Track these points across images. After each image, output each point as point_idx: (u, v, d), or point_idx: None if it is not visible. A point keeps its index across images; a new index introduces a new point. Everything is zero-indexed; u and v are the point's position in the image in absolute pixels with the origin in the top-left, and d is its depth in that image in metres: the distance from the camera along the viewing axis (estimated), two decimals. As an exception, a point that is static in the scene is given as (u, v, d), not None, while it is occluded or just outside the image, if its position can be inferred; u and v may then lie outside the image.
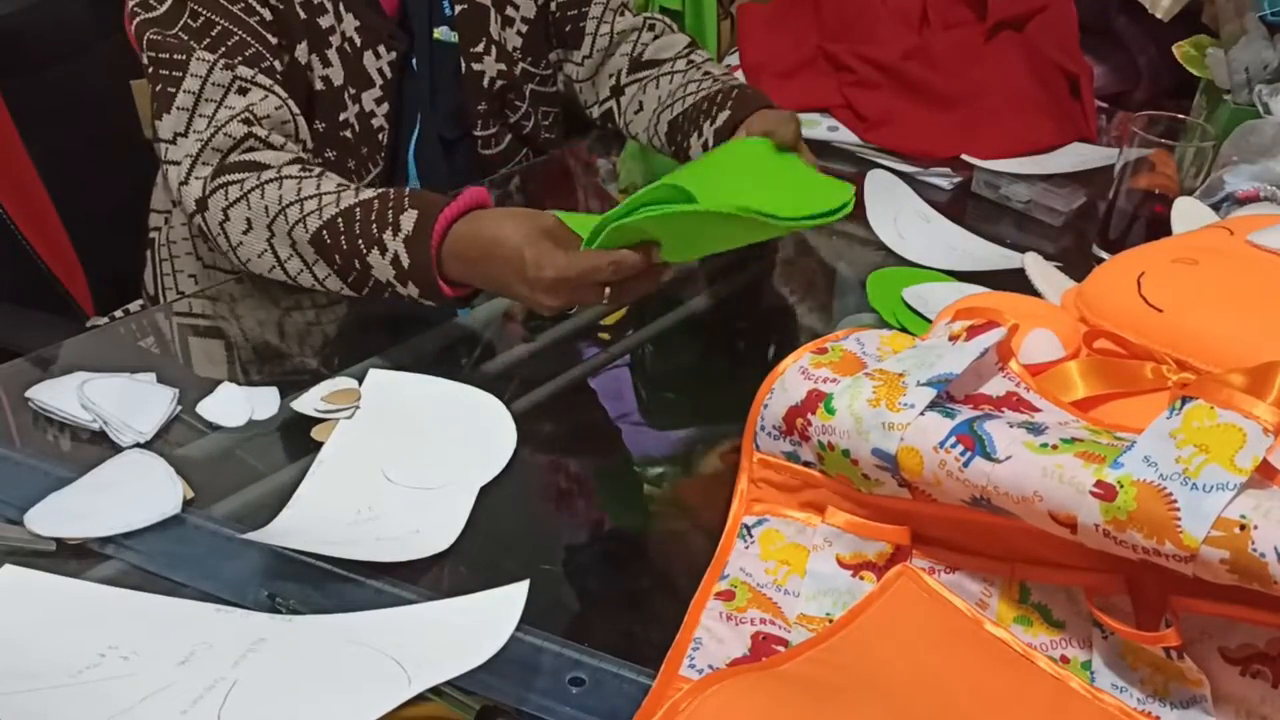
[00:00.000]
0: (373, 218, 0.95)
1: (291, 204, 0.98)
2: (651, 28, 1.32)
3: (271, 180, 1.00)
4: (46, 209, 1.34)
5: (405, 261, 0.94)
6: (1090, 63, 1.54)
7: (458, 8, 1.21)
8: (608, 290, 0.88)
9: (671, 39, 1.31)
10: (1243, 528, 0.57)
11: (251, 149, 1.03)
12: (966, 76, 1.50)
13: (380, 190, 0.98)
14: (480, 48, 1.23)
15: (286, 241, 0.99)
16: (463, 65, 1.23)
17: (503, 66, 1.25)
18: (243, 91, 1.05)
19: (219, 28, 1.05)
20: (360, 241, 0.95)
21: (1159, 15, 1.43)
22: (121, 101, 1.41)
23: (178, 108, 1.04)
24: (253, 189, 1.00)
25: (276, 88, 1.07)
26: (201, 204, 1.02)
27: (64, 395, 0.87)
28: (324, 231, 0.96)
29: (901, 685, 0.64)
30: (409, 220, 0.94)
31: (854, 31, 1.59)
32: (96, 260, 1.38)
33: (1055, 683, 0.65)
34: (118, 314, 1.33)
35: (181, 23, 1.05)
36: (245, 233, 1.00)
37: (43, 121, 1.33)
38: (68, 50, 1.37)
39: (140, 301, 1.34)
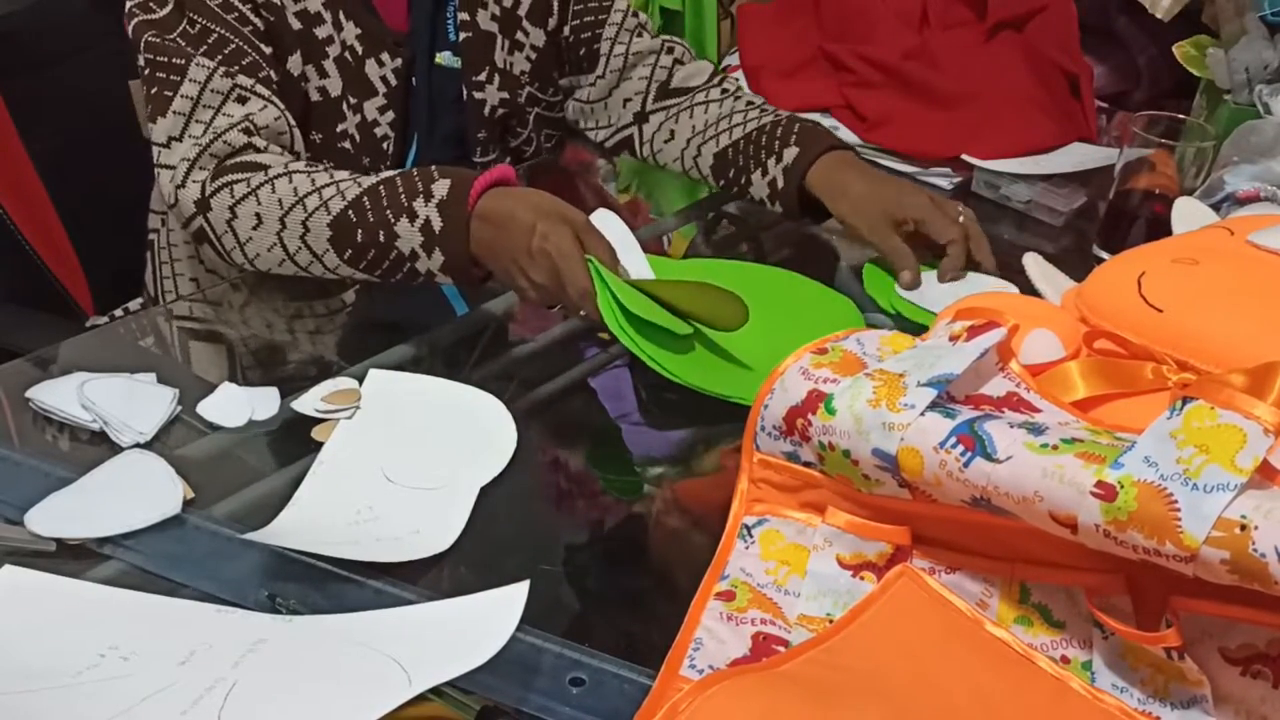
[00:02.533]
0: (401, 189, 0.98)
1: (309, 194, 0.99)
2: (670, 50, 1.30)
3: (280, 176, 1.01)
4: (46, 209, 1.34)
5: (437, 226, 0.96)
6: (1090, 63, 1.54)
7: (462, 35, 1.20)
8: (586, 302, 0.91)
9: (698, 65, 1.30)
10: (1243, 528, 0.57)
11: (249, 155, 1.04)
12: (966, 76, 1.50)
13: (402, 169, 1.00)
14: (483, 76, 1.22)
15: (298, 233, 0.99)
16: (464, 92, 1.21)
17: (505, 95, 1.24)
18: (242, 100, 1.05)
19: (216, 35, 1.05)
20: (389, 211, 0.97)
21: (1159, 15, 1.43)
22: (121, 101, 1.41)
23: (174, 112, 1.04)
24: (260, 185, 1.00)
25: (275, 98, 1.07)
26: (203, 205, 1.02)
27: (64, 395, 0.87)
28: (349, 211, 0.98)
29: (902, 686, 0.64)
30: (442, 187, 0.97)
31: (854, 31, 1.59)
32: (96, 260, 1.38)
33: (1056, 683, 0.65)
34: (118, 313, 1.33)
35: (180, 29, 1.05)
36: (255, 228, 1.00)
37: (43, 121, 1.33)
38: (68, 50, 1.37)
39: (140, 300, 1.35)
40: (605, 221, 1.05)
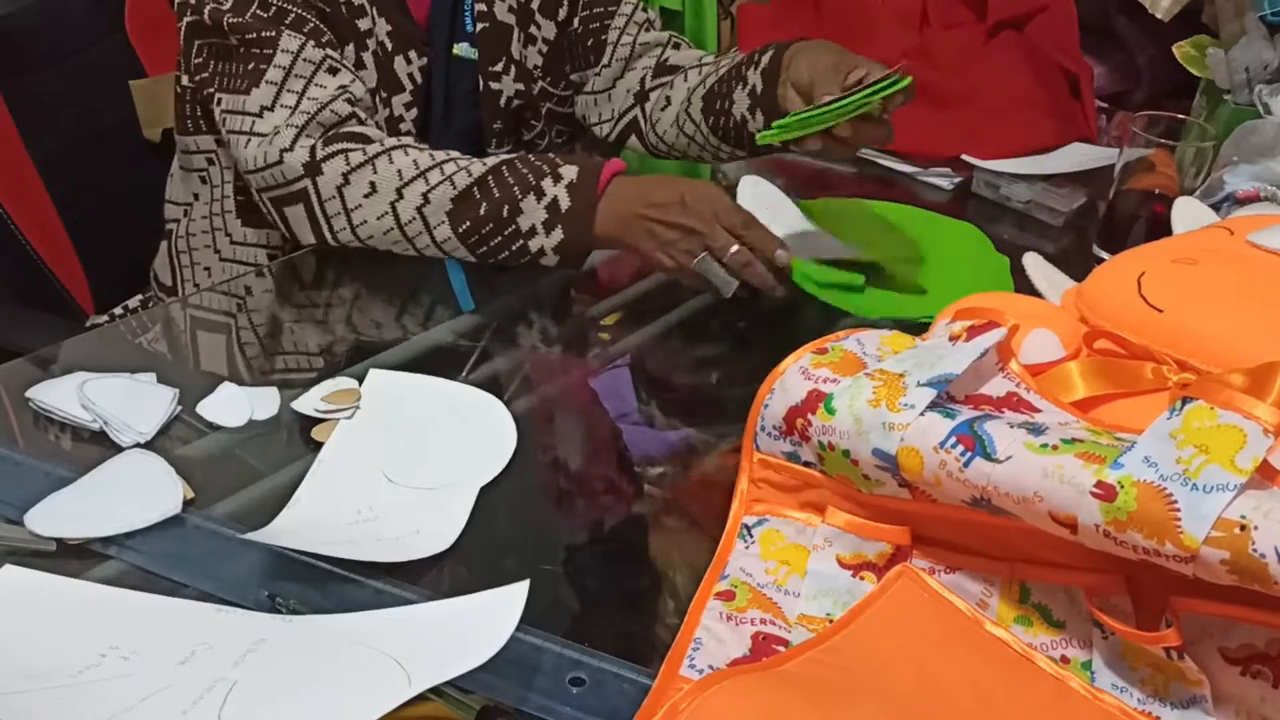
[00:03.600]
0: (527, 171, 1.03)
1: (430, 168, 1.04)
2: (676, 46, 1.32)
3: (396, 149, 1.05)
4: (46, 209, 1.34)
5: (564, 205, 1.02)
6: (1090, 63, 1.54)
7: (479, 25, 1.21)
8: (734, 249, 0.99)
9: (693, 51, 1.32)
10: (1243, 528, 0.57)
11: (354, 125, 1.08)
12: (966, 76, 1.50)
13: (520, 154, 1.07)
14: (499, 67, 1.23)
15: (415, 204, 1.04)
16: (480, 83, 1.22)
17: (521, 86, 1.25)
18: (333, 71, 1.08)
19: (294, 14, 1.09)
20: (515, 188, 1.02)
21: (1159, 15, 1.43)
22: (121, 101, 1.41)
23: (268, 81, 1.07)
24: (378, 155, 1.05)
25: (358, 74, 1.11)
26: (313, 168, 1.05)
27: (64, 395, 0.87)
28: (474, 187, 1.03)
29: (902, 685, 0.64)
30: (571, 171, 1.03)
31: (854, 31, 1.59)
32: (96, 260, 1.38)
33: (1055, 683, 0.65)
34: (118, 312, 1.33)
35: (253, 10, 1.08)
36: (368, 196, 1.04)
37: (43, 121, 1.33)
38: (68, 50, 1.37)
39: (140, 297, 1.35)
40: (756, 185, 1.22)
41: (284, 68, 1.07)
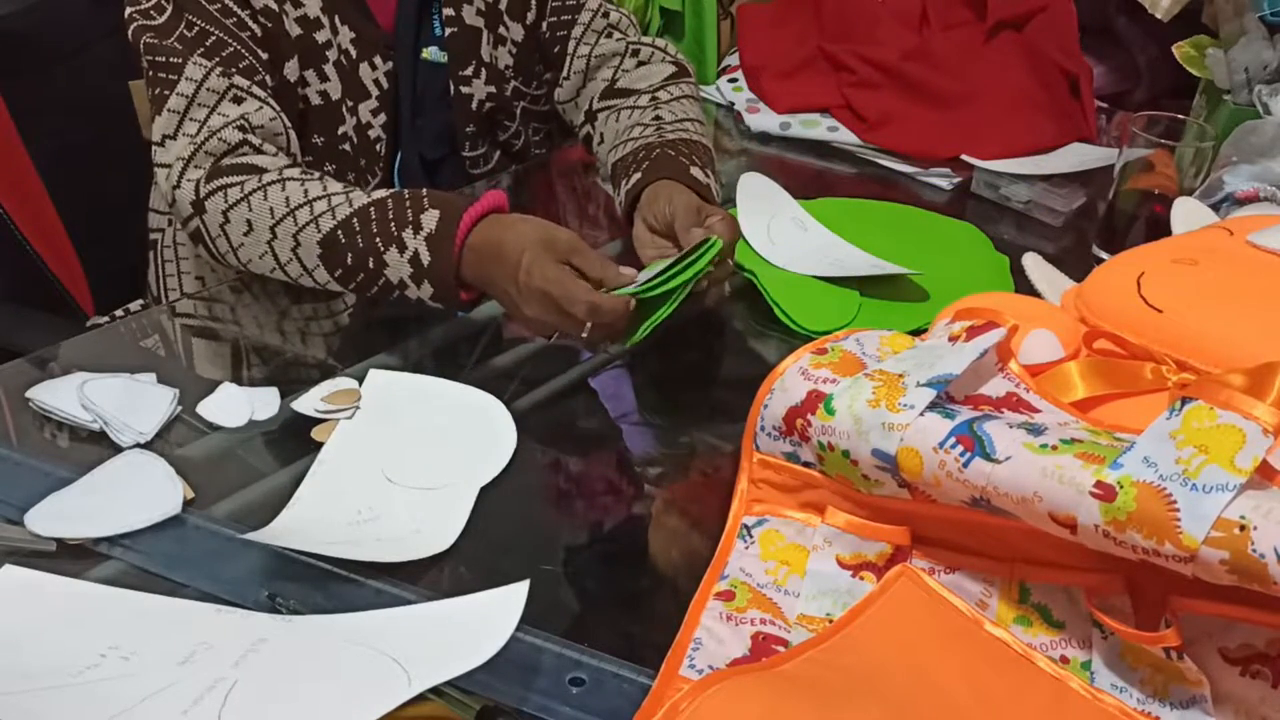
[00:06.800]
0: (390, 216, 0.96)
1: (300, 206, 0.98)
2: (635, 53, 1.26)
3: (274, 183, 1.00)
4: (46, 209, 1.34)
5: (425, 259, 0.95)
6: (1090, 63, 1.54)
7: (448, 30, 1.19)
8: (588, 326, 0.90)
9: (653, 69, 1.25)
10: (1242, 528, 0.57)
11: (245, 154, 1.03)
12: (966, 76, 1.50)
13: (393, 190, 0.99)
14: (469, 70, 1.21)
15: (289, 245, 0.99)
16: (451, 87, 1.21)
17: (492, 89, 1.23)
18: (238, 100, 1.04)
19: (214, 37, 1.05)
20: (378, 239, 0.96)
21: (1159, 15, 1.43)
22: (121, 101, 1.41)
23: (169, 110, 1.04)
24: (254, 191, 1.00)
25: (271, 100, 1.07)
26: (198, 206, 1.01)
27: (64, 395, 0.87)
28: (338, 231, 0.97)
29: (901, 685, 0.64)
30: (431, 219, 0.96)
31: (854, 32, 1.59)
32: (96, 260, 1.38)
33: (1055, 683, 0.65)
34: (118, 314, 1.33)
35: (178, 32, 1.05)
36: (246, 234, 1.00)
37: (43, 121, 1.33)
38: (68, 50, 1.37)
39: (141, 301, 1.34)
40: (754, 181, 1.25)
41: (186, 96, 1.03)
